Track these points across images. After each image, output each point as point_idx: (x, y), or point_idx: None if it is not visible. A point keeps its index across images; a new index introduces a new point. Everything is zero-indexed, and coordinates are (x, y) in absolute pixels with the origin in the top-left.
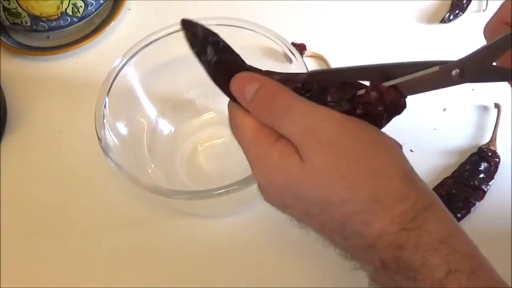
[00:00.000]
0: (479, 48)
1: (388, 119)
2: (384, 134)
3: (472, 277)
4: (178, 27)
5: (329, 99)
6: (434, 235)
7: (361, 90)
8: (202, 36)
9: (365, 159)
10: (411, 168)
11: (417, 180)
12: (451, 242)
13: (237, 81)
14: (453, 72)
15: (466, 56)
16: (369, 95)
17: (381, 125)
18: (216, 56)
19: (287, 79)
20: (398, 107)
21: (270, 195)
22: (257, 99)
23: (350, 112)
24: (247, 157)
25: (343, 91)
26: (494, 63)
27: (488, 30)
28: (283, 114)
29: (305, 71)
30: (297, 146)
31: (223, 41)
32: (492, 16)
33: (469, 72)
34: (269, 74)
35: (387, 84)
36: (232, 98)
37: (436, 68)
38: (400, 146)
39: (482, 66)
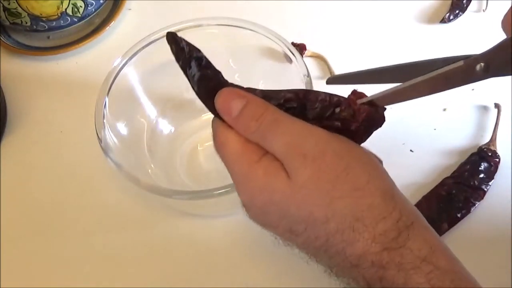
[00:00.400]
0: (503, 40)
1: (368, 134)
2: (365, 151)
3: None
4: (178, 27)
5: (310, 116)
6: (416, 253)
7: (337, 108)
8: (186, 51)
9: (345, 177)
10: (393, 185)
11: (399, 197)
12: (432, 260)
13: (222, 97)
14: (478, 67)
15: (490, 49)
16: (344, 112)
17: (361, 140)
18: (200, 72)
19: (269, 96)
20: (375, 122)
21: (254, 213)
22: (244, 115)
23: (330, 128)
24: (231, 175)
25: (322, 108)
26: None
27: (507, 20)
28: (270, 130)
29: (286, 89)
30: (283, 162)
31: (206, 58)
32: (510, 9)
33: (494, 66)
34: (251, 91)
35: (363, 100)
36: (216, 114)
37: (460, 63)
38: (381, 162)
39: (508, 58)
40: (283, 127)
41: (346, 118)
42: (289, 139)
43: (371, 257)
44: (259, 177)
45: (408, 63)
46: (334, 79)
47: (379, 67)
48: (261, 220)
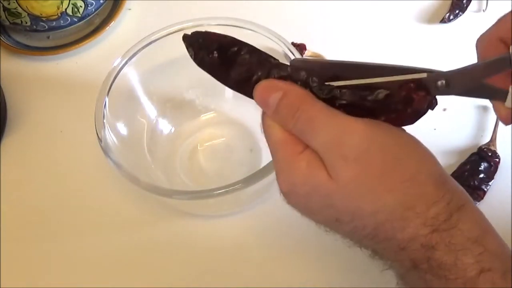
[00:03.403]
0: (473, 64)
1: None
2: (410, 136)
3: (505, 277)
4: (178, 27)
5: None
6: (467, 234)
7: (379, 91)
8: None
9: (393, 170)
10: (443, 170)
11: (450, 181)
12: (483, 242)
13: (259, 92)
14: (439, 83)
15: (457, 69)
16: (397, 96)
17: (411, 123)
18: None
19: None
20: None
21: (295, 201)
22: (280, 111)
23: (369, 112)
24: (273, 159)
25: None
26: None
27: (482, 43)
28: (306, 129)
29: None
30: (323, 160)
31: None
32: (489, 29)
33: (455, 85)
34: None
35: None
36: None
37: (424, 75)
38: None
39: (472, 82)
40: (319, 125)
41: (398, 101)
42: (326, 138)
43: (421, 239)
44: (302, 169)
45: (376, 64)
46: (299, 62)
47: (346, 61)
48: (302, 208)
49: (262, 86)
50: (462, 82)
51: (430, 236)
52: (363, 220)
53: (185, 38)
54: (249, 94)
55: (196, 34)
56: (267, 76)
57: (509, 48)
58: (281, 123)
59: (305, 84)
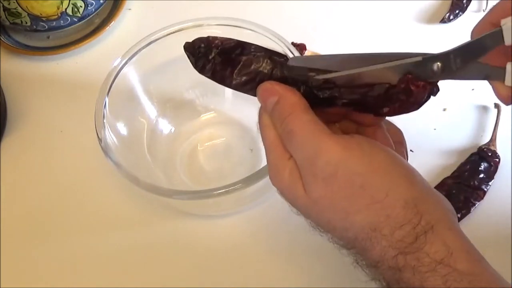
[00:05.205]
0: (467, 42)
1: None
2: (392, 156)
3: None
4: (178, 27)
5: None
6: (433, 256)
7: (379, 86)
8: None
9: (363, 192)
10: (419, 190)
11: (423, 203)
12: (450, 262)
13: (259, 93)
14: (435, 66)
15: (451, 48)
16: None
17: (416, 109)
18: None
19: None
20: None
21: (286, 200)
22: (273, 115)
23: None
24: (266, 159)
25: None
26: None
27: (476, 31)
28: (288, 140)
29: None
30: (300, 173)
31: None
32: (481, 19)
33: (451, 67)
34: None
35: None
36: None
37: (419, 59)
38: (408, 153)
39: (467, 61)
40: (297, 141)
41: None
42: (303, 155)
43: (388, 261)
44: (285, 178)
45: (372, 53)
46: (296, 60)
47: (342, 54)
48: (293, 207)
49: (262, 88)
50: (458, 62)
51: (396, 259)
52: (336, 234)
53: (186, 47)
54: (253, 94)
55: (197, 41)
56: (270, 75)
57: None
58: (274, 126)
59: (306, 83)
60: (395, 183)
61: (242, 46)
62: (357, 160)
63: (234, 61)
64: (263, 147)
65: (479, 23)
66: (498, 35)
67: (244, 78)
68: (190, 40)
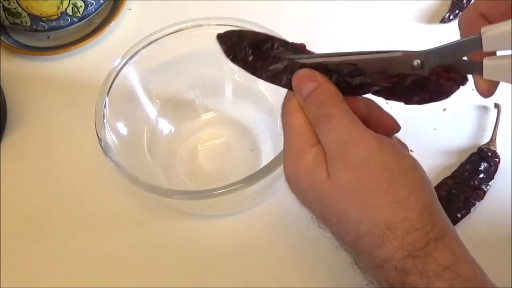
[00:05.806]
0: (447, 44)
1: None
2: (413, 162)
3: None
4: (178, 27)
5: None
6: (441, 262)
7: (410, 78)
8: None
9: (387, 188)
10: (433, 199)
11: (437, 211)
12: (456, 268)
13: (297, 78)
14: (415, 62)
15: (431, 48)
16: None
17: (445, 99)
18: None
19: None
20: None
21: (295, 190)
22: (309, 100)
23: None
24: (285, 145)
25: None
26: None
27: (464, 20)
28: (323, 124)
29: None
30: (327, 159)
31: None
32: (469, 7)
33: (430, 64)
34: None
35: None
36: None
37: (399, 54)
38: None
39: (446, 61)
40: (333, 125)
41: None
42: (335, 139)
43: (396, 262)
44: (307, 162)
45: (357, 51)
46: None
47: (330, 53)
48: (299, 198)
49: (302, 74)
50: (437, 60)
51: (404, 261)
52: (347, 226)
53: (219, 37)
54: (281, 84)
55: (230, 32)
56: (301, 66)
57: (485, 26)
58: (306, 110)
59: (338, 72)
60: (416, 188)
61: (272, 40)
62: (389, 157)
63: (265, 53)
64: (264, 147)
65: (467, 12)
66: (477, 41)
67: (275, 68)
68: (191, 40)
